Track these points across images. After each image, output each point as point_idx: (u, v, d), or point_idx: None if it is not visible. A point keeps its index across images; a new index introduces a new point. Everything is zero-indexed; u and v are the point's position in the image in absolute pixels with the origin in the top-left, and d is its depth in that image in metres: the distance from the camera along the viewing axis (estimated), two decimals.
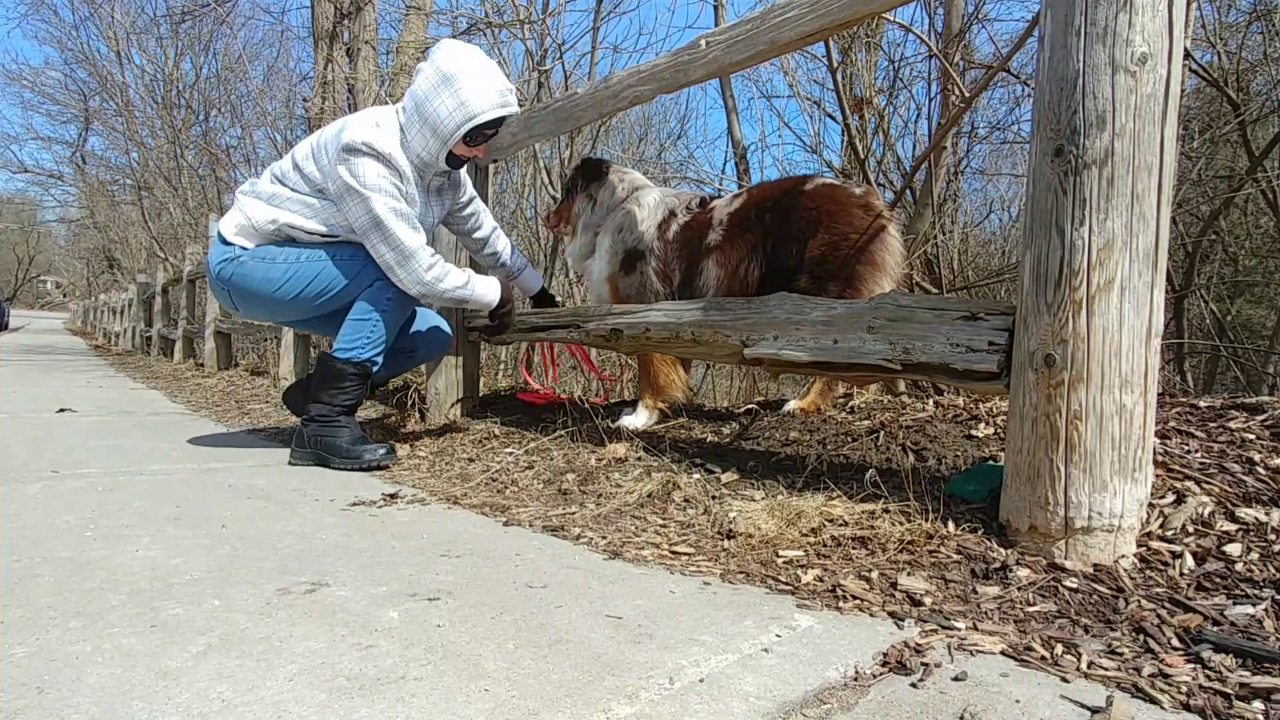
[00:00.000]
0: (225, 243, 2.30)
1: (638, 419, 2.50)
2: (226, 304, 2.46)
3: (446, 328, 2.72)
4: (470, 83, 2.14)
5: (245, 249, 2.28)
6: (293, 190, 2.25)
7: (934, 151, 3.42)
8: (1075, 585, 1.11)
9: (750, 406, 2.59)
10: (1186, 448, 1.49)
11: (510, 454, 2.24)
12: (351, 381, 2.28)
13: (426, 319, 2.66)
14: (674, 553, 1.34)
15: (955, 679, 0.87)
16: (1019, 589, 1.11)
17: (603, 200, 2.62)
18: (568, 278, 4.72)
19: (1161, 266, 1.19)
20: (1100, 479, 1.16)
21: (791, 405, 2.39)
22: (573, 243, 2.71)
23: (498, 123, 2.28)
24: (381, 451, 2.20)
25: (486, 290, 2.33)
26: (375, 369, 2.32)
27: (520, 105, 2.40)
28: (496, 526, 1.55)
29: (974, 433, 1.82)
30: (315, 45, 7.90)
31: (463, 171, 2.57)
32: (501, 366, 5.66)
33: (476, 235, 2.71)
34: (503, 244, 2.77)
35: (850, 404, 2.35)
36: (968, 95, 2.89)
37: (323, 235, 2.26)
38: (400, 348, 2.55)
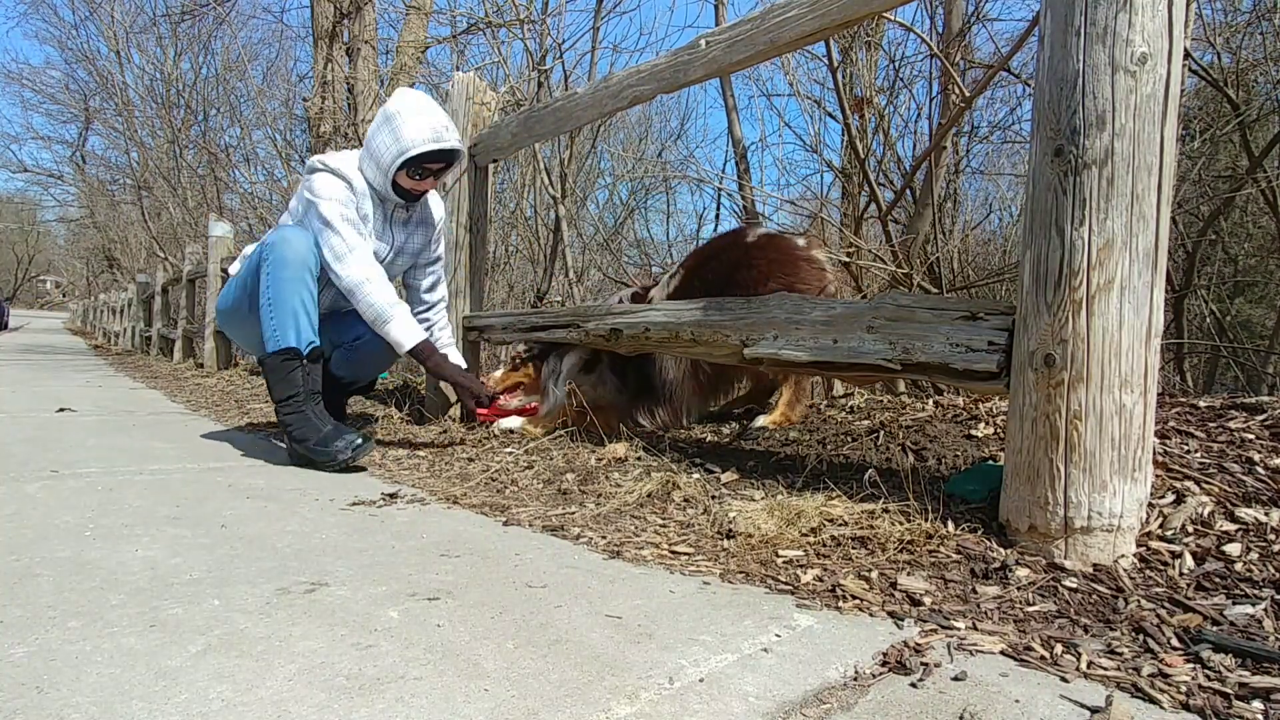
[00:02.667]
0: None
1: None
2: (229, 334, 2.76)
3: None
4: (406, 121, 2.32)
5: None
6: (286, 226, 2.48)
7: (934, 151, 3.42)
8: (1075, 585, 1.11)
9: (750, 407, 2.59)
10: (1186, 448, 1.49)
11: (510, 454, 2.24)
12: (284, 370, 2.26)
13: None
14: (674, 552, 1.34)
15: (955, 679, 0.87)
16: (1019, 589, 1.11)
17: (559, 355, 2.71)
18: (568, 278, 4.72)
19: (1161, 266, 1.19)
20: (1100, 479, 1.16)
21: (761, 421, 2.36)
22: (545, 402, 2.71)
23: (437, 157, 2.38)
24: (353, 448, 2.11)
25: (404, 333, 2.32)
26: (304, 348, 2.27)
27: (519, 105, 2.41)
28: (496, 526, 1.55)
29: (974, 432, 1.82)
30: (315, 45, 7.90)
31: (440, 236, 2.73)
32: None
33: (425, 296, 2.77)
34: (440, 319, 2.80)
35: (850, 404, 2.35)
36: (968, 95, 2.89)
37: None
38: (338, 344, 2.62)
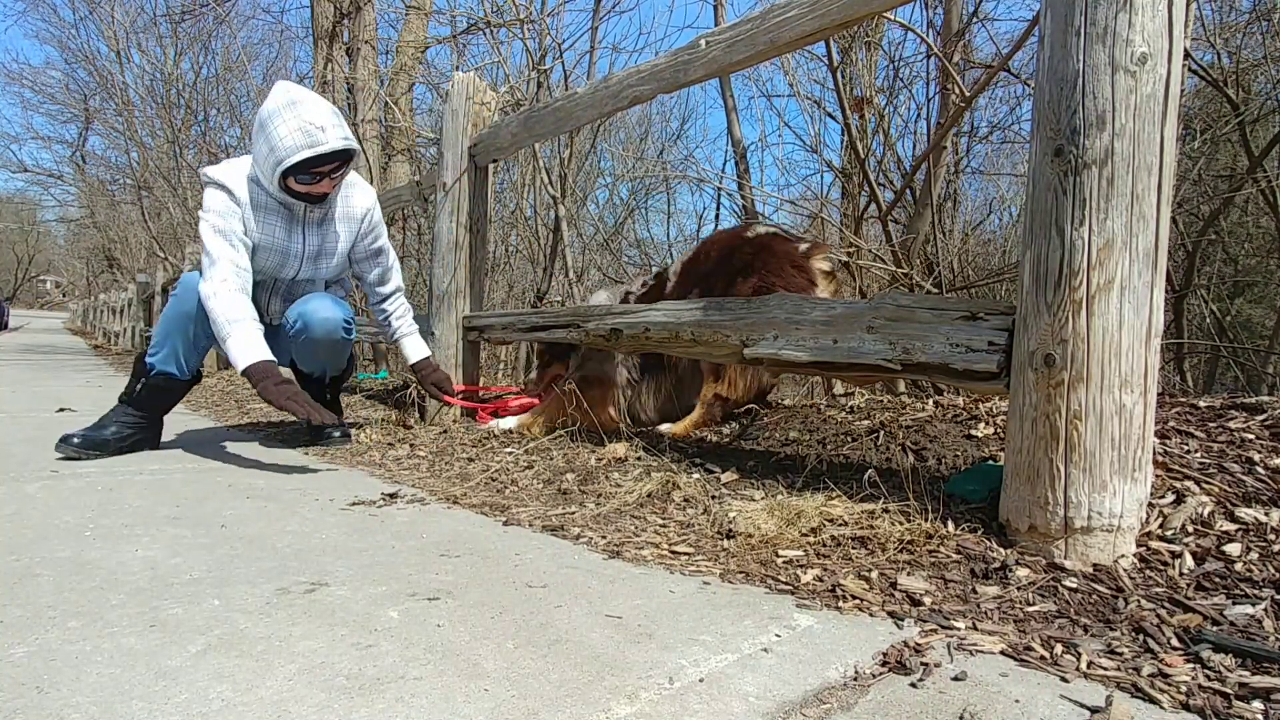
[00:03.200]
0: None
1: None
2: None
3: (327, 309, 2.51)
4: (278, 127, 2.22)
5: None
6: None
7: (934, 151, 3.42)
8: (1075, 585, 1.11)
9: (750, 406, 2.59)
10: (1186, 448, 1.49)
11: (510, 454, 2.24)
12: (135, 373, 2.43)
13: (306, 300, 2.53)
14: (674, 552, 1.34)
15: (955, 679, 0.87)
16: (1019, 589, 1.11)
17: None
18: (568, 278, 4.72)
19: (1161, 266, 1.19)
20: (1100, 479, 1.16)
21: (665, 429, 2.43)
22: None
23: (322, 161, 2.26)
24: (75, 440, 2.22)
25: (241, 351, 2.15)
26: (154, 368, 2.37)
27: (519, 105, 2.41)
28: (496, 526, 1.55)
29: (974, 432, 1.82)
30: (315, 45, 7.90)
31: (380, 226, 2.69)
32: (501, 366, 5.67)
33: (378, 290, 2.77)
34: (396, 309, 2.78)
35: (850, 404, 2.35)
36: (968, 95, 2.89)
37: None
38: (283, 333, 2.57)
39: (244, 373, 2.15)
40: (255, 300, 2.47)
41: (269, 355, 2.18)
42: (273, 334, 2.58)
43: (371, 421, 3.11)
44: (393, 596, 1.10)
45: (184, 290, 2.34)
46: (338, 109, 2.37)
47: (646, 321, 2.14)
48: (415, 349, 2.79)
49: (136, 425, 2.37)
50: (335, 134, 2.25)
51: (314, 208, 2.45)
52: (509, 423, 2.69)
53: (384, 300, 2.78)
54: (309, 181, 2.32)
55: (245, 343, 2.16)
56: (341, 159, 2.34)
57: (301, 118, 2.20)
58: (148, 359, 2.38)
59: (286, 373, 2.39)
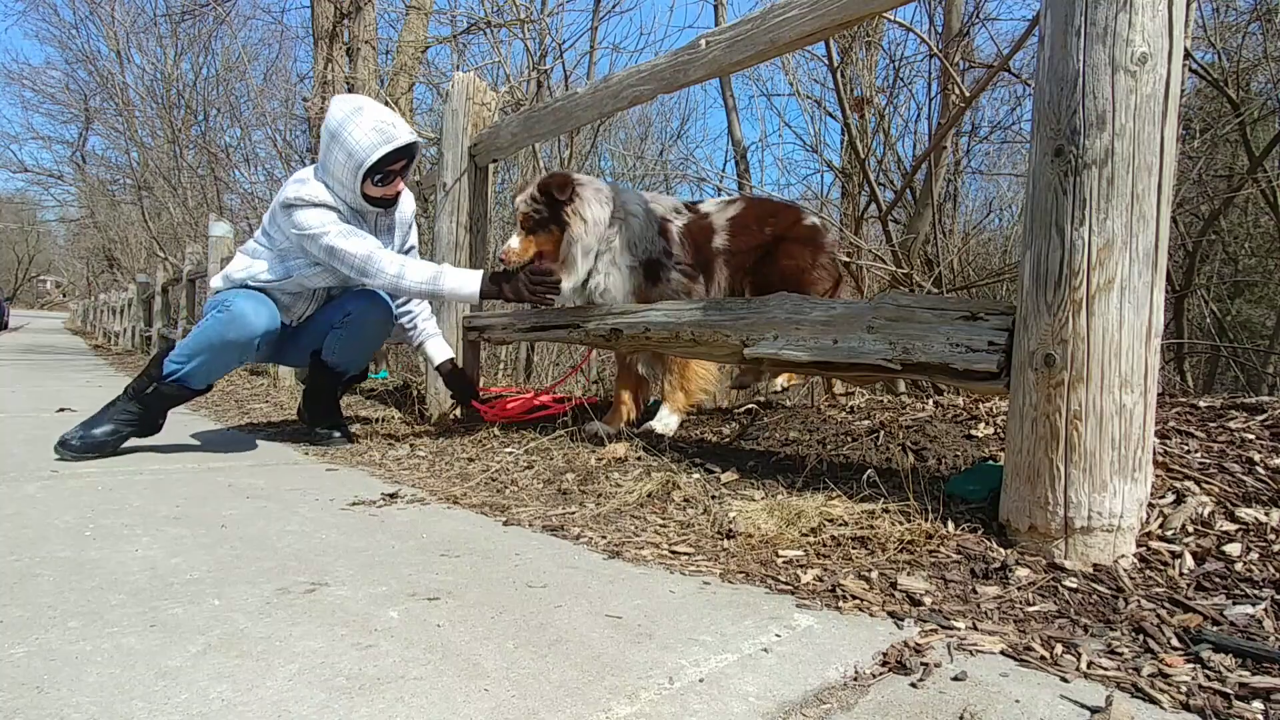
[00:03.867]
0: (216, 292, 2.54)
1: (669, 423, 2.35)
2: None
3: (376, 303, 2.60)
4: (351, 133, 2.31)
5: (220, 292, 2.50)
6: (264, 248, 2.51)
7: (934, 151, 3.42)
8: (1075, 585, 1.11)
9: (750, 406, 2.59)
10: (1186, 448, 1.49)
11: (510, 454, 2.24)
12: (148, 371, 2.40)
13: (354, 296, 2.60)
14: (674, 552, 1.34)
15: (955, 679, 0.87)
16: (1019, 589, 1.11)
17: (593, 218, 2.25)
18: None
19: (1161, 266, 1.19)
20: (1100, 479, 1.16)
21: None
22: (570, 278, 2.28)
23: (396, 157, 2.37)
24: (74, 443, 2.22)
25: (459, 284, 2.34)
26: (169, 377, 2.36)
27: (519, 105, 2.41)
28: (496, 526, 1.55)
29: (974, 433, 1.82)
30: (315, 45, 7.90)
31: (414, 228, 2.78)
32: (501, 366, 5.66)
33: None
34: (421, 309, 2.83)
35: (850, 404, 2.35)
36: (968, 95, 2.89)
37: (270, 280, 2.47)
38: (325, 327, 2.59)
39: (482, 293, 2.33)
40: (289, 306, 2.53)
41: (482, 272, 2.37)
42: (291, 336, 2.60)
43: (372, 421, 3.11)
44: (393, 596, 1.10)
45: (237, 320, 2.32)
46: None
47: (647, 322, 2.13)
48: (440, 350, 2.80)
49: (133, 422, 2.36)
50: (404, 129, 2.37)
51: (384, 214, 2.55)
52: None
53: (409, 300, 2.80)
54: (384, 183, 2.41)
55: (458, 277, 2.36)
56: (409, 156, 2.43)
57: (372, 118, 2.32)
58: (169, 364, 2.36)
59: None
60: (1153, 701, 0.82)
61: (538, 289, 2.27)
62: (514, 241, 2.32)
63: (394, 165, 2.38)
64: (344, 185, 2.37)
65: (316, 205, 2.36)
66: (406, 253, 2.75)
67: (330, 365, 2.69)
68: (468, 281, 2.35)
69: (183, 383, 2.37)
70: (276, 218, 2.44)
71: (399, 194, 2.52)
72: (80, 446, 2.23)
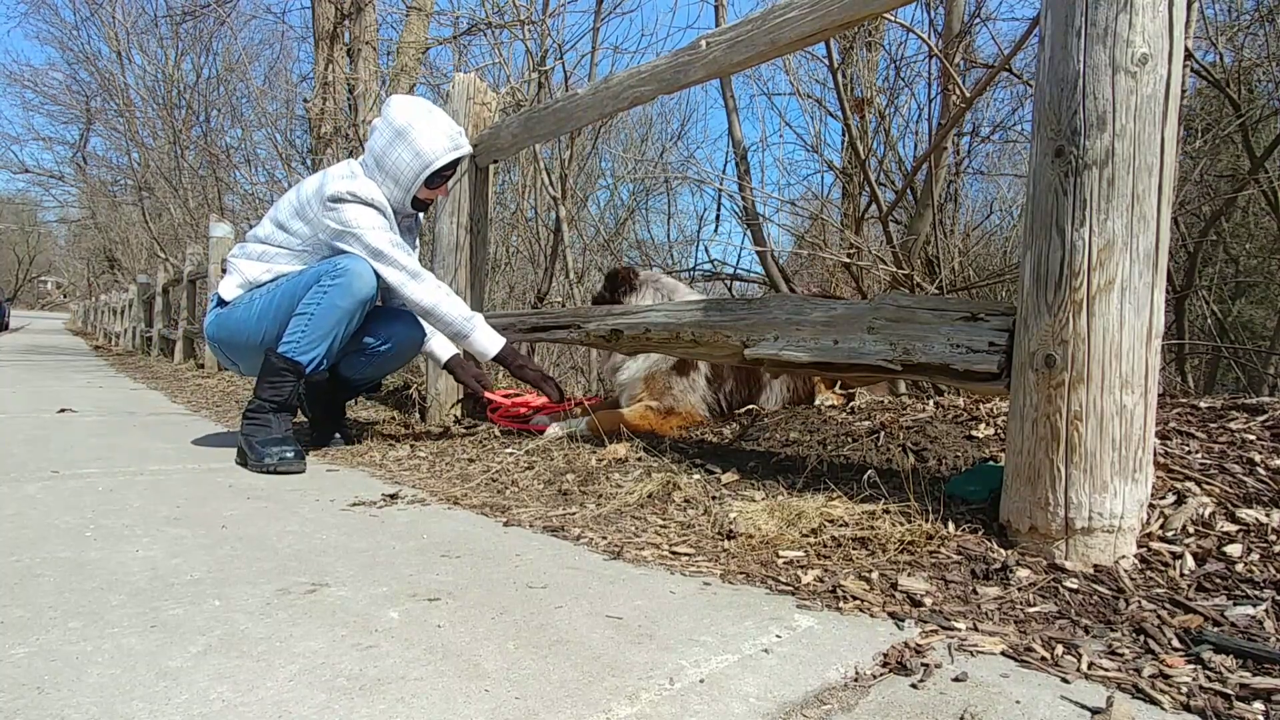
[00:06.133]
0: (223, 303, 2.42)
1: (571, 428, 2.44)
2: (226, 363, 2.58)
3: (417, 329, 2.61)
4: (423, 133, 2.32)
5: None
6: (280, 247, 2.39)
7: (935, 151, 3.42)
8: (1075, 586, 1.11)
9: (750, 407, 2.59)
10: (1187, 448, 1.49)
11: (510, 454, 2.24)
12: (282, 377, 2.26)
13: (395, 318, 2.58)
14: (674, 553, 1.34)
15: (955, 679, 0.87)
16: (1019, 590, 1.11)
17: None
18: (568, 279, 4.72)
19: (1162, 267, 1.19)
20: (1100, 479, 1.16)
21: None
22: (612, 357, 2.66)
23: (454, 165, 2.42)
24: (288, 455, 2.12)
25: (485, 341, 2.36)
26: (311, 369, 2.28)
27: (520, 106, 2.42)
28: (496, 527, 1.55)
29: (974, 433, 1.82)
30: (316, 46, 7.91)
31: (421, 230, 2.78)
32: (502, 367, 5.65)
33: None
34: None
35: (850, 404, 2.35)
36: (968, 95, 2.89)
37: None
38: (363, 348, 2.51)
39: (496, 358, 2.37)
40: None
41: (506, 340, 2.41)
42: None
43: (372, 422, 3.11)
44: (393, 597, 1.10)
45: (348, 286, 2.23)
46: None
47: (647, 322, 2.14)
48: (444, 348, 2.77)
49: (287, 425, 2.27)
50: (467, 139, 2.42)
51: (410, 216, 2.57)
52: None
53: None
54: (435, 186, 2.43)
55: (488, 333, 2.38)
56: (460, 165, 2.49)
57: (445, 122, 2.36)
58: (299, 359, 2.25)
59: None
60: (1153, 702, 0.82)
61: (544, 384, 2.43)
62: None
63: (450, 171, 2.43)
64: (400, 185, 2.35)
65: (368, 204, 2.30)
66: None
67: (346, 378, 2.65)
68: (492, 343, 2.37)
69: (300, 357, 2.25)
70: (309, 210, 2.32)
71: (444, 196, 2.57)
72: (279, 463, 2.11)
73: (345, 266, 2.24)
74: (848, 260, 3.46)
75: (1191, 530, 1.22)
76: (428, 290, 2.32)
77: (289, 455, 2.12)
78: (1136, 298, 1.15)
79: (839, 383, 2.62)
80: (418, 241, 2.69)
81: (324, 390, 2.75)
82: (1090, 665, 0.90)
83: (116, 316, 15.35)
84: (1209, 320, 4.06)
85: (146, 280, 11.36)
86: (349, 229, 2.27)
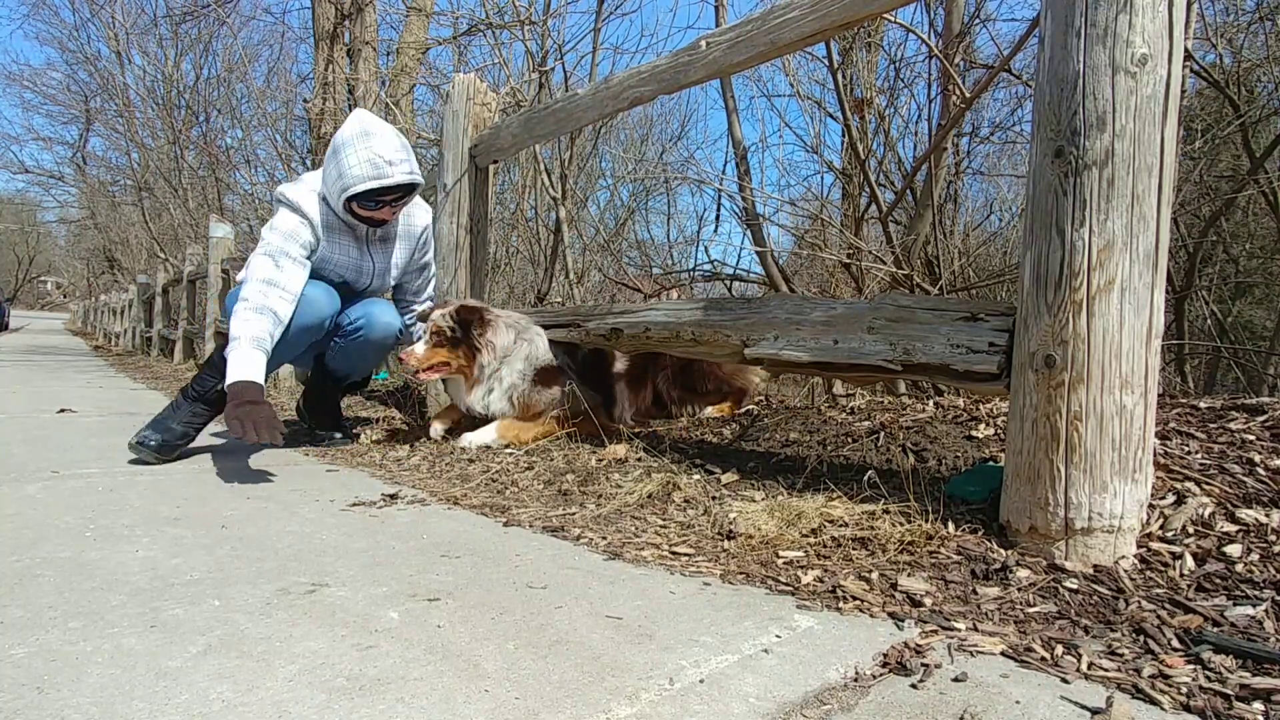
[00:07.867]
0: None
1: (486, 438, 2.39)
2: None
3: (391, 314, 2.62)
4: (349, 157, 2.31)
5: None
6: None
7: (935, 152, 3.42)
8: (1075, 586, 1.11)
9: (750, 408, 2.59)
10: (1187, 449, 1.49)
11: (510, 454, 2.24)
12: (215, 372, 2.37)
13: (372, 303, 2.59)
14: (674, 553, 1.34)
15: (955, 680, 0.87)
16: (1019, 590, 1.11)
17: (500, 345, 2.46)
18: (568, 279, 4.72)
19: (1162, 267, 1.19)
20: (1100, 480, 1.16)
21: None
22: (475, 389, 2.47)
23: (384, 192, 2.36)
24: (150, 443, 2.19)
25: (234, 367, 2.14)
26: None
27: (520, 106, 2.41)
28: (496, 527, 1.55)
29: (974, 433, 1.82)
30: (316, 46, 7.90)
31: (431, 242, 2.81)
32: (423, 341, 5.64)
33: (414, 298, 2.89)
34: (414, 320, 2.87)
35: (850, 404, 2.35)
36: (968, 96, 2.89)
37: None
38: (339, 330, 2.55)
39: (230, 392, 2.12)
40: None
41: (255, 378, 2.15)
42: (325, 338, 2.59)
43: (372, 422, 3.12)
44: (393, 597, 1.10)
45: (306, 305, 2.36)
46: (408, 142, 2.43)
47: (647, 321, 2.13)
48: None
49: (203, 424, 2.39)
50: (401, 169, 2.34)
51: (374, 230, 2.56)
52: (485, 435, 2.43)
53: (408, 309, 2.87)
54: (371, 208, 2.42)
55: (237, 361, 2.16)
56: (404, 191, 2.43)
57: (372, 150, 2.29)
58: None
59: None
60: (1153, 703, 0.82)
61: (263, 429, 2.05)
62: (419, 348, 2.47)
63: (384, 197, 2.39)
64: (331, 199, 2.40)
65: (289, 207, 2.38)
66: (421, 270, 2.80)
67: (330, 370, 2.71)
68: (231, 374, 2.13)
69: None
70: None
71: (386, 220, 2.51)
72: (158, 448, 2.20)
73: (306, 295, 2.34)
74: (848, 260, 3.47)
75: (1191, 530, 1.22)
76: (245, 296, 2.23)
77: (151, 444, 2.20)
78: (1136, 298, 1.15)
79: (725, 399, 2.72)
80: (401, 254, 2.68)
81: (315, 389, 2.77)
82: (1090, 665, 0.90)
83: (116, 317, 15.35)
84: (1209, 320, 4.06)
85: (146, 280, 11.35)
86: (268, 225, 2.39)
